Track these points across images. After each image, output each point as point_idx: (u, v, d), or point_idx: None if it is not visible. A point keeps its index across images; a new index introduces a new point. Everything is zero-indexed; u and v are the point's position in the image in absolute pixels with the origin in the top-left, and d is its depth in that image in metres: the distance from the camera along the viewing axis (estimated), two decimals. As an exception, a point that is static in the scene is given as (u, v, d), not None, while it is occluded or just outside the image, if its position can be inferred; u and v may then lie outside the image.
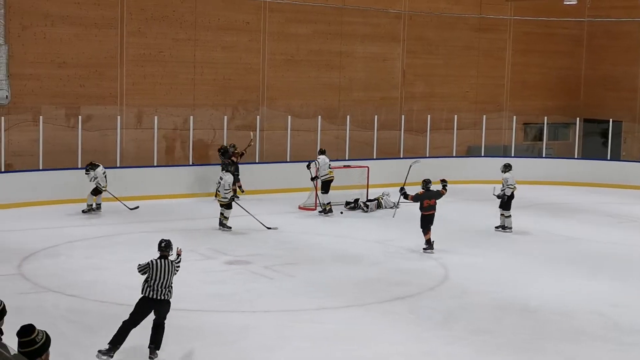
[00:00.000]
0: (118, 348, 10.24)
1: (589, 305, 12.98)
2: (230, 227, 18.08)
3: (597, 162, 27.25)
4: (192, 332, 11.18)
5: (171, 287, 10.42)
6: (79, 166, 21.14)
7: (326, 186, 20.41)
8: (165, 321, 10.34)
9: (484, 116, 27.74)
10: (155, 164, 22.31)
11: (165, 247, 10.53)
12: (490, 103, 28.80)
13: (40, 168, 20.78)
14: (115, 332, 10.15)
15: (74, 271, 14.29)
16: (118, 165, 21.75)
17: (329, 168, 20.58)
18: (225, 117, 23.50)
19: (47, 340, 6.06)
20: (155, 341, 10.38)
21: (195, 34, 23.33)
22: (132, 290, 13.12)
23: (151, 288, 10.32)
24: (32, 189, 20.12)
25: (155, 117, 22.38)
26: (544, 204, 23.05)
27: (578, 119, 28.36)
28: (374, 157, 25.50)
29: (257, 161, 23.67)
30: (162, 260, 10.42)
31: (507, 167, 19.29)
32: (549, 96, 29.62)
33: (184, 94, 23.33)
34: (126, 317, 10.32)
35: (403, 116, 26.80)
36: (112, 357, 10.17)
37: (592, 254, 16.92)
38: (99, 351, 10.15)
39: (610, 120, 27.24)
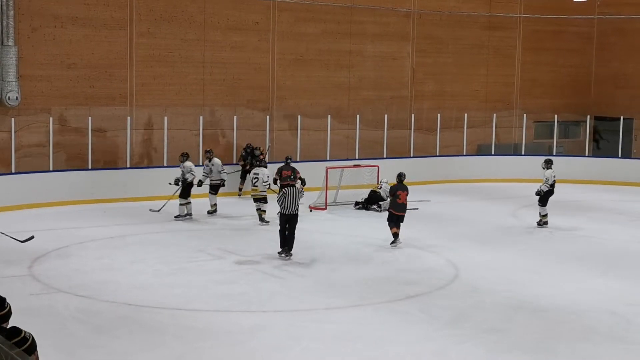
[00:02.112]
0: (288, 249, 15.39)
1: (601, 304, 12.91)
2: (268, 222, 18.52)
3: (608, 159, 27.16)
4: (203, 332, 11.17)
5: (298, 206, 15.61)
6: (89, 167, 21.20)
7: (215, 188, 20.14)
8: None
9: (494, 114, 27.68)
10: (165, 164, 22.33)
11: (293, 178, 17.20)
12: (501, 101, 28.74)
13: (51, 169, 20.83)
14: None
15: (84, 272, 14.30)
16: (128, 165, 21.79)
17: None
18: (235, 117, 23.53)
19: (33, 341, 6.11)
20: (289, 245, 15.42)
21: (205, 34, 23.34)
22: (143, 290, 13.19)
23: (284, 208, 15.41)
24: (42, 190, 20.16)
25: (165, 118, 22.40)
26: (554, 201, 22.90)
27: (589, 116, 28.27)
28: (384, 157, 25.47)
29: (267, 161, 23.63)
30: (291, 188, 15.68)
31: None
32: (559, 94, 29.53)
33: (193, 94, 23.35)
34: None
35: (413, 115, 26.76)
36: (290, 254, 15.34)
37: (603, 252, 16.85)
38: (279, 253, 15.39)
39: (621, 117, 27.14)
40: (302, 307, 12.56)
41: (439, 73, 27.53)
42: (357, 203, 21.31)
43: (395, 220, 16.61)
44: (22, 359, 5.77)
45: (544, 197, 19.14)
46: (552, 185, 19.24)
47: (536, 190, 19.27)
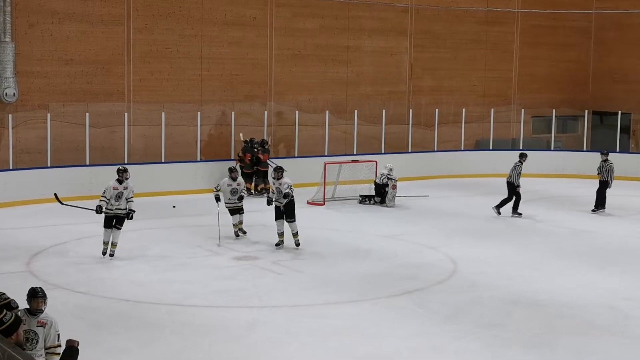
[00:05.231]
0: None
1: (599, 299, 12.92)
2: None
3: (606, 154, 27.12)
4: (201, 327, 11.17)
5: None
6: (87, 163, 21.18)
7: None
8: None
9: (492, 109, 27.67)
10: (162, 160, 22.31)
11: None
12: (498, 96, 28.71)
13: (49, 165, 20.81)
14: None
15: (82, 268, 14.29)
16: (126, 161, 21.74)
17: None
18: (233, 112, 23.51)
19: (16, 320, 6.25)
20: None
21: (202, 30, 23.31)
22: (141, 286, 13.20)
23: None
24: (40, 187, 20.14)
25: (163, 114, 22.37)
26: (552, 196, 22.98)
27: (586, 111, 28.26)
28: (382, 152, 25.45)
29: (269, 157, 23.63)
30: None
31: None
32: (557, 89, 29.50)
33: (191, 90, 23.32)
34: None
35: (411, 110, 26.74)
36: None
37: (601, 247, 16.86)
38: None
39: (619, 112, 27.14)
40: (300, 302, 12.57)
41: (437, 68, 27.51)
42: (362, 197, 21.20)
43: None
44: (20, 356, 5.80)
45: (292, 211, 16.00)
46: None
47: (280, 203, 15.92)
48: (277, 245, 15.99)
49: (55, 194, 16.41)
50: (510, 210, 19.64)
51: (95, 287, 13.11)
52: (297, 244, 15.97)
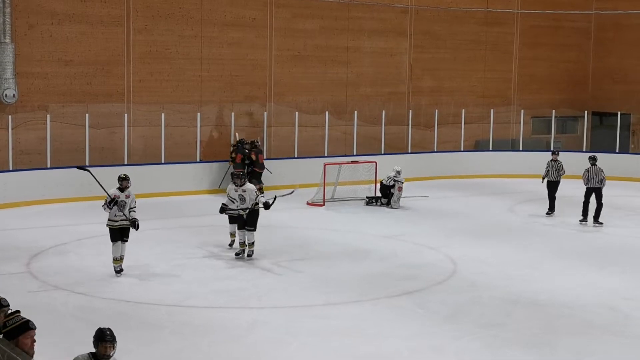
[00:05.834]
0: None
1: (599, 299, 12.92)
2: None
3: (605, 154, 27.13)
4: (201, 328, 11.17)
5: None
6: (87, 164, 21.16)
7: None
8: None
9: (492, 110, 27.67)
10: (162, 161, 22.31)
11: None
12: (498, 97, 28.72)
13: (48, 166, 20.82)
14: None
15: (82, 269, 14.29)
16: (125, 162, 21.75)
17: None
18: (233, 113, 23.51)
19: (24, 324, 6.21)
20: None
21: (202, 31, 23.30)
22: (141, 287, 13.20)
23: None
24: (40, 187, 20.14)
25: (162, 114, 22.37)
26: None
27: (586, 111, 28.26)
28: (382, 153, 25.45)
29: (264, 157, 23.61)
30: None
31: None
32: (557, 89, 29.51)
33: (190, 91, 23.32)
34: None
35: (410, 111, 26.74)
36: None
37: (602, 247, 16.86)
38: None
39: (619, 112, 27.15)
40: (300, 303, 12.57)
41: (437, 69, 27.51)
42: (369, 199, 21.20)
43: None
44: (22, 359, 5.79)
45: (255, 219, 15.27)
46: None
47: (244, 212, 15.09)
48: (237, 255, 15.15)
49: (77, 167, 16.43)
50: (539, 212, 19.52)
51: (95, 287, 13.10)
52: (250, 255, 14.98)
